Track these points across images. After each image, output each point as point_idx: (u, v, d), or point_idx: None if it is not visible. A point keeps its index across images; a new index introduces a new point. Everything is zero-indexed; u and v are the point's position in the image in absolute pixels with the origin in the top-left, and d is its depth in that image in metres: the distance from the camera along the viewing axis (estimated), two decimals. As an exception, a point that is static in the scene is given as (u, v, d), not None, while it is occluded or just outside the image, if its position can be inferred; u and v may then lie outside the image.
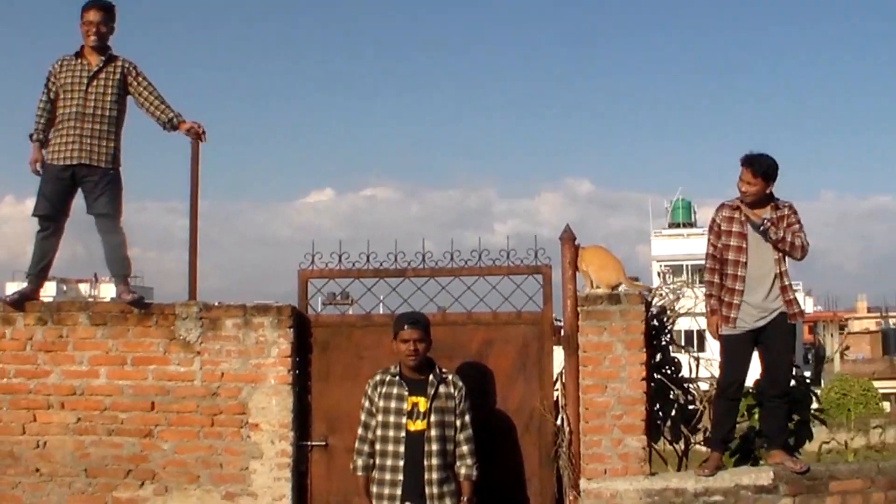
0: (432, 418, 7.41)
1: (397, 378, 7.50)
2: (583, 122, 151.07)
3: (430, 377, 7.50)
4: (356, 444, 7.57)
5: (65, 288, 71.83)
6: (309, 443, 8.56)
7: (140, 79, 8.91)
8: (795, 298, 8.25)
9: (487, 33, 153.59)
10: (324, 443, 8.57)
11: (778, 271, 8.13)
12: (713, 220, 8.39)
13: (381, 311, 8.81)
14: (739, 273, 8.14)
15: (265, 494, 8.32)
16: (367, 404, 7.56)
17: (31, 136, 8.85)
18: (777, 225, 8.08)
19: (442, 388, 7.49)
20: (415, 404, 7.44)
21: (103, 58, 8.82)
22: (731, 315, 8.16)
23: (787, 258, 8.13)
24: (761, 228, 8.05)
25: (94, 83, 8.74)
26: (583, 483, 8.07)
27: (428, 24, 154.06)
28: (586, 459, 8.13)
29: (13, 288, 9.06)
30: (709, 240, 8.40)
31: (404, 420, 7.41)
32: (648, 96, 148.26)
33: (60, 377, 8.52)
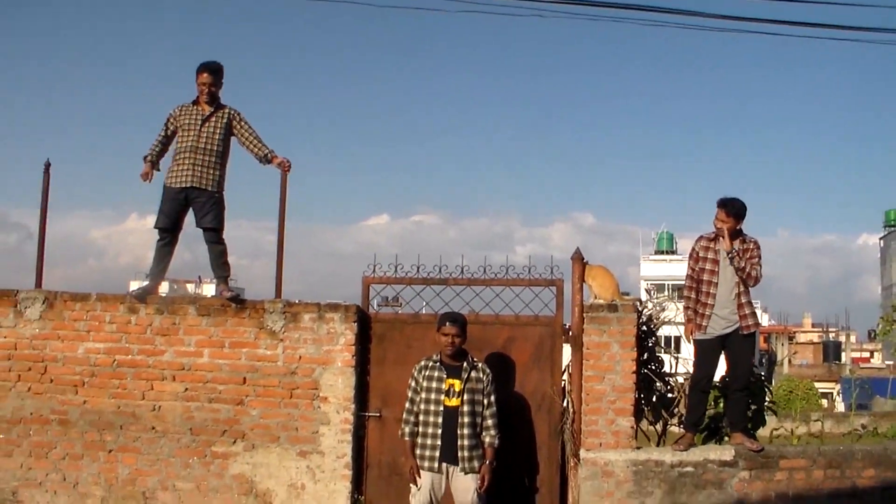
0: (465, 397, 7.44)
1: (438, 364, 7.55)
2: (588, 167, 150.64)
3: (465, 364, 7.54)
4: (404, 415, 7.60)
5: (175, 287, 71.95)
6: (367, 413, 8.60)
7: (242, 123, 8.96)
8: (753, 313, 8.25)
9: (516, 93, 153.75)
10: (378, 414, 8.61)
11: (738, 291, 8.15)
12: (693, 249, 8.37)
13: (426, 312, 8.84)
14: (711, 291, 8.14)
15: (331, 453, 8.37)
16: (413, 384, 7.61)
17: (145, 157, 8.91)
18: (742, 256, 8.10)
19: (473, 373, 7.53)
20: (451, 385, 7.48)
21: (213, 107, 8.90)
22: (703, 323, 8.16)
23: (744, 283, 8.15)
24: (729, 255, 8.07)
25: (206, 125, 8.81)
26: (582, 453, 8.07)
27: (466, 83, 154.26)
28: (585, 434, 8.12)
29: (136, 286, 9.11)
30: (689, 264, 8.40)
31: (442, 397, 7.46)
32: (641, 148, 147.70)
33: (173, 355, 8.61)
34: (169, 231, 8.88)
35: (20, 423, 8.63)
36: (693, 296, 8.26)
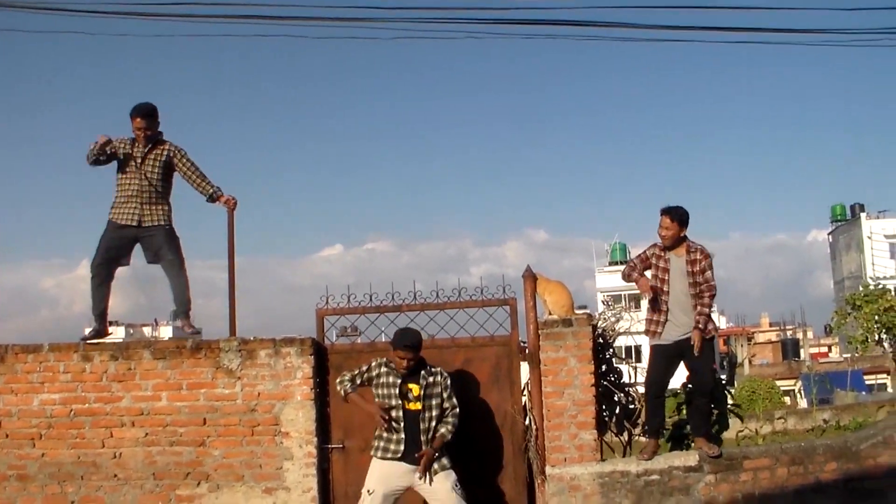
0: (425, 401, 7.51)
1: (394, 370, 7.60)
2: (538, 183, 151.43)
3: (422, 372, 7.58)
4: (346, 376, 7.73)
5: (132, 331, 71.45)
6: (330, 446, 8.54)
7: (184, 160, 8.90)
8: (710, 318, 8.31)
9: (458, 116, 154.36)
10: (341, 445, 8.54)
11: (690, 304, 8.21)
12: (645, 252, 8.43)
13: (383, 339, 8.78)
14: (663, 298, 8.19)
15: (296, 488, 8.29)
16: (365, 370, 7.71)
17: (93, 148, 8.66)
18: (693, 273, 8.17)
19: (431, 378, 7.58)
20: (409, 389, 7.52)
21: (150, 144, 8.80)
22: (658, 330, 8.21)
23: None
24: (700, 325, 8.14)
25: (145, 162, 8.75)
26: (548, 469, 8.08)
27: (410, 109, 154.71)
28: (550, 450, 8.13)
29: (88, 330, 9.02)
30: (638, 256, 8.50)
31: (402, 400, 7.50)
32: (590, 162, 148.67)
33: (131, 401, 8.49)
34: (106, 268, 8.82)
35: (-22, 481, 8.46)
36: (636, 272, 8.38)
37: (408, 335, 7.72)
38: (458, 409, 7.67)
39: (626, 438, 8.91)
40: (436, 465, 7.46)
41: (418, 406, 7.52)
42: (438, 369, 7.73)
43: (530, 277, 8.47)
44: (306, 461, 8.34)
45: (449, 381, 7.70)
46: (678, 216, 8.23)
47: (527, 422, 8.45)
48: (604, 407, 8.66)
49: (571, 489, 8.00)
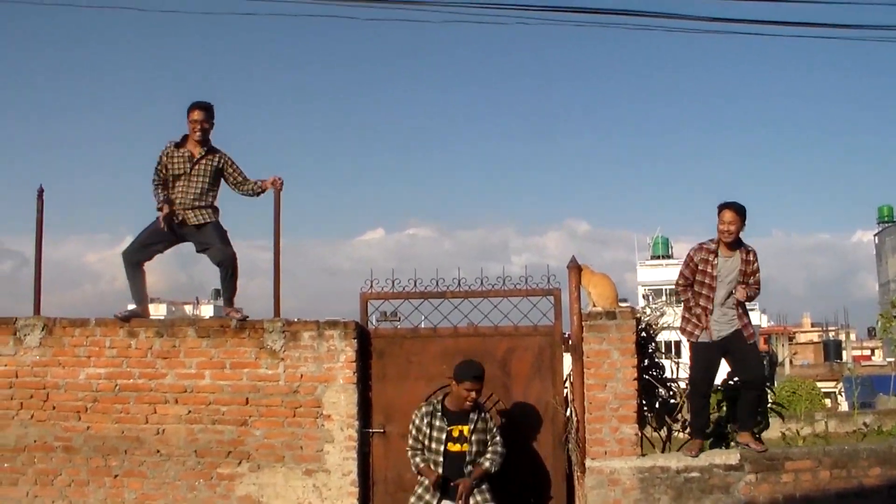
0: (473, 440, 7.41)
1: (440, 413, 7.48)
2: (581, 175, 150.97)
3: (474, 414, 7.46)
4: (410, 452, 7.56)
5: (174, 309, 72.19)
6: (370, 430, 8.57)
7: (234, 167, 8.92)
8: (750, 322, 8.27)
9: (506, 103, 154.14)
10: (382, 430, 8.57)
11: (735, 302, 8.16)
12: (690, 259, 8.32)
13: (425, 325, 8.82)
14: (710, 297, 8.13)
15: (336, 471, 8.33)
16: (413, 431, 7.54)
17: (159, 208, 8.72)
18: (746, 273, 8.14)
19: (479, 423, 7.47)
20: (461, 431, 7.42)
21: (204, 149, 8.81)
22: (697, 333, 8.16)
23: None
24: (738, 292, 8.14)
25: (196, 168, 8.75)
26: (588, 462, 8.05)
27: (456, 94, 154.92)
28: (590, 443, 8.10)
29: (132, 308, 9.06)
30: (683, 271, 8.38)
31: (445, 443, 7.39)
32: (634, 154, 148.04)
33: (174, 378, 8.57)
34: (141, 254, 8.88)
35: (24, 451, 8.57)
36: (689, 295, 8.27)
37: (474, 367, 7.52)
38: (504, 449, 7.55)
39: (666, 433, 8.87)
40: (478, 497, 7.35)
41: (464, 448, 7.41)
42: (489, 413, 7.70)
43: (575, 268, 8.43)
44: (347, 444, 8.36)
45: (495, 425, 7.65)
46: (740, 211, 8.13)
47: (568, 413, 8.43)
48: (644, 402, 8.62)
49: (611, 483, 7.97)
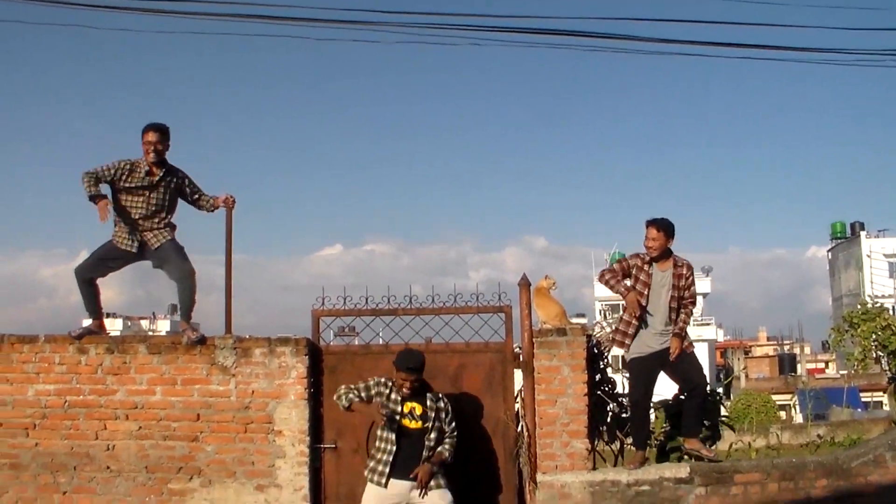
0: (431, 422, 7.52)
1: (396, 391, 7.60)
2: (538, 191, 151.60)
3: (429, 394, 7.61)
4: (342, 390, 7.71)
5: (129, 323, 71.56)
6: (322, 445, 8.53)
7: (191, 185, 8.83)
8: (686, 335, 8.39)
9: (464, 120, 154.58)
10: (333, 445, 8.53)
11: (668, 315, 8.25)
12: (626, 261, 8.46)
13: (379, 342, 8.80)
14: (644, 303, 8.21)
15: (288, 486, 8.29)
16: (363, 387, 7.69)
17: (91, 197, 8.30)
18: (679, 288, 8.25)
19: (438, 403, 7.61)
20: (412, 408, 7.54)
21: (162, 171, 8.61)
22: (627, 342, 8.25)
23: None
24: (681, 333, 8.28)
25: (156, 191, 8.58)
26: (539, 476, 8.07)
27: (414, 112, 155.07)
28: (541, 458, 8.13)
29: (87, 323, 8.94)
30: (618, 262, 8.52)
31: (399, 419, 7.53)
32: (591, 172, 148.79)
33: (125, 394, 8.49)
34: (94, 272, 8.75)
35: (-29, 468, 8.46)
36: (611, 280, 8.39)
37: (412, 357, 7.66)
38: (457, 435, 7.70)
39: (618, 448, 8.91)
40: (432, 483, 7.45)
41: (419, 425, 7.53)
42: (442, 396, 7.77)
43: (525, 286, 8.47)
44: (298, 460, 8.33)
45: (451, 408, 7.73)
46: (664, 227, 8.26)
47: (519, 429, 8.44)
48: (596, 416, 8.66)
49: (562, 497, 7.99)
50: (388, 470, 7.45)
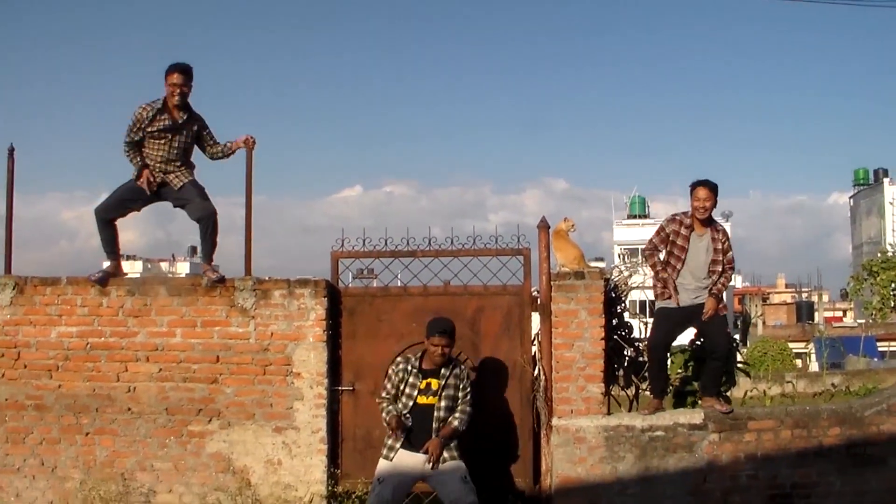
0: (442, 394, 7.48)
1: (417, 370, 7.55)
2: (559, 133, 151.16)
3: (445, 368, 7.56)
4: (381, 403, 7.65)
5: (149, 265, 71.88)
6: (340, 387, 8.62)
7: (208, 132, 8.79)
8: (722, 298, 8.32)
9: (481, 63, 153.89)
10: (351, 388, 8.62)
11: (706, 277, 8.20)
12: (662, 229, 8.34)
13: (397, 284, 8.86)
14: (679, 268, 8.17)
15: (306, 428, 8.39)
16: (388, 385, 7.64)
17: (138, 175, 8.60)
18: (717, 251, 8.18)
19: (453, 379, 7.56)
20: (428, 383, 7.52)
21: (185, 115, 8.59)
22: (667, 296, 8.22)
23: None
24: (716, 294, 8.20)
25: (178, 135, 8.56)
26: (554, 420, 8.13)
27: (432, 53, 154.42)
28: (557, 402, 8.17)
29: (106, 265, 8.99)
30: (654, 237, 8.39)
31: (415, 394, 7.49)
32: (613, 115, 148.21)
33: (146, 337, 8.58)
34: (115, 212, 8.78)
35: (-5, 409, 8.60)
36: (657, 264, 8.31)
37: (442, 322, 7.63)
38: (471, 408, 7.63)
39: (634, 393, 8.96)
40: (445, 454, 7.41)
41: (432, 400, 7.49)
42: (464, 367, 7.77)
43: (545, 228, 8.46)
44: (316, 402, 8.42)
45: (468, 375, 7.74)
46: (715, 189, 8.16)
47: (535, 372, 8.50)
48: (612, 361, 8.71)
49: (577, 441, 8.05)
50: (397, 445, 7.44)
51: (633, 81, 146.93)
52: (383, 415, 7.58)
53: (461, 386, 7.61)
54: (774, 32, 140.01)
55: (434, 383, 7.52)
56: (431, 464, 7.36)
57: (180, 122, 8.58)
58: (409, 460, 7.43)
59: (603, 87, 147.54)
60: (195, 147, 8.87)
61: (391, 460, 7.43)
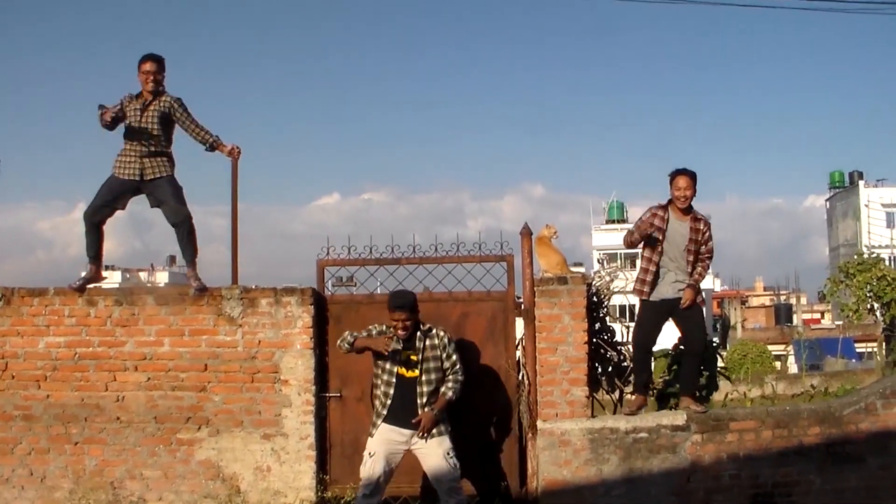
0: (423, 366, 7.51)
1: (394, 338, 7.56)
2: (536, 138, 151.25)
3: (418, 334, 7.56)
4: (346, 336, 7.74)
5: (128, 276, 71.53)
6: (327, 394, 8.71)
7: (181, 111, 8.76)
8: (700, 288, 8.46)
9: (459, 68, 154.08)
10: (338, 394, 8.72)
11: (686, 266, 8.35)
12: (642, 218, 8.45)
13: (381, 291, 8.94)
14: (654, 258, 8.33)
15: (294, 434, 8.48)
16: (365, 335, 7.65)
17: (102, 114, 8.56)
18: (697, 242, 8.31)
19: (428, 342, 7.56)
20: (408, 356, 7.55)
21: (153, 95, 8.71)
22: (645, 289, 8.34)
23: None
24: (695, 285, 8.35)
25: (146, 113, 8.63)
26: (539, 424, 8.25)
27: (409, 58, 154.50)
28: (541, 405, 8.30)
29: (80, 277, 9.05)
30: (634, 225, 8.54)
31: (397, 368, 7.51)
32: (590, 120, 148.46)
33: (134, 346, 8.65)
34: (100, 213, 8.81)
35: (-17, 420, 8.64)
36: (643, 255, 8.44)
37: (400, 296, 7.71)
38: (460, 367, 7.63)
39: (617, 396, 9.08)
40: (433, 431, 7.48)
41: (415, 374, 7.51)
42: (437, 329, 7.71)
43: (527, 234, 8.59)
44: (304, 409, 8.51)
45: (448, 340, 7.67)
46: (694, 178, 8.30)
47: (520, 377, 8.62)
48: (596, 364, 8.84)
49: (561, 444, 8.18)
50: (379, 421, 7.51)
51: (610, 86, 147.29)
52: (345, 341, 7.69)
53: (444, 356, 7.59)
54: (749, 36, 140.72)
55: (413, 356, 7.53)
56: (422, 436, 7.42)
57: (146, 101, 8.68)
58: (391, 434, 7.48)
59: (579, 92, 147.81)
60: (175, 132, 8.88)
61: (373, 436, 7.51)
